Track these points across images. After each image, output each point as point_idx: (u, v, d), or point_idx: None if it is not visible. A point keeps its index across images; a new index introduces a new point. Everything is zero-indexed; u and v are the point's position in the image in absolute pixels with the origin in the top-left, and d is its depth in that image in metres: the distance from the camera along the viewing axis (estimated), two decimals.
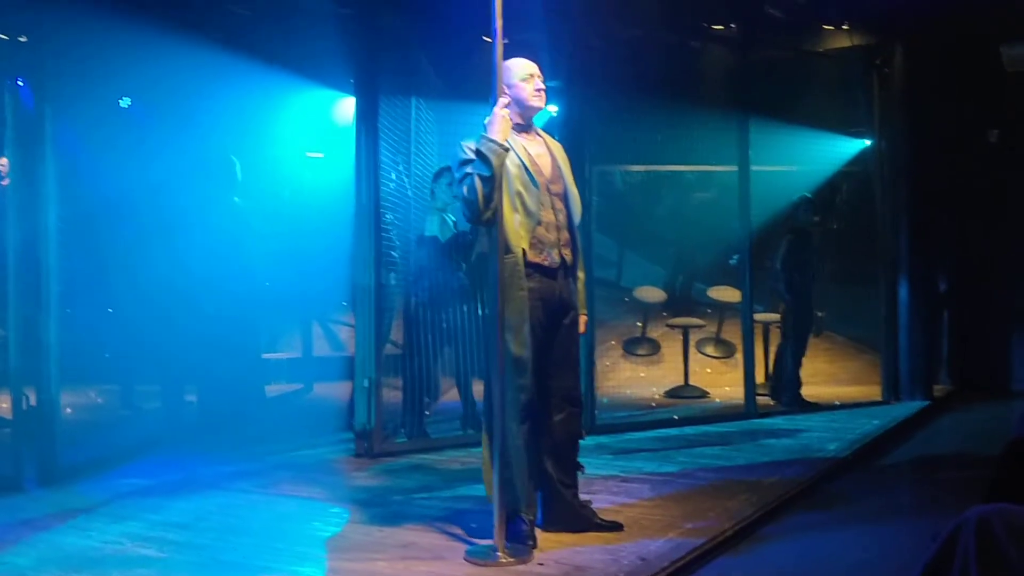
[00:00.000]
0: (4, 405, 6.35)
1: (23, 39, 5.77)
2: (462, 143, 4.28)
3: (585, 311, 4.61)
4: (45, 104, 5.62)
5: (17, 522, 4.71)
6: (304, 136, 9.68)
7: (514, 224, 4.22)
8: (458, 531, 4.51)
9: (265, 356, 8.75)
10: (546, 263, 4.33)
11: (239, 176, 7.45)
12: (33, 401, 5.62)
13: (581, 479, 4.59)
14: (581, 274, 4.53)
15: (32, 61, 5.70)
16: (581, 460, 4.56)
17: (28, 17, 5.68)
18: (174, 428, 7.02)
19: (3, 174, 6.20)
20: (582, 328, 4.56)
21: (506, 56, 4.26)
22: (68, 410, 6.70)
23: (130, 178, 7.40)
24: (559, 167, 4.47)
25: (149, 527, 4.65)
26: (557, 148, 4.54)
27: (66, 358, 5.74)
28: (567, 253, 4.41)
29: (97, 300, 7.35)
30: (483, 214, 4.16)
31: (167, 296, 6.94)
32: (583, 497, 4.60)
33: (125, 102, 8.09)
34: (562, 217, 4.41)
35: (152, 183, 7.24)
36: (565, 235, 4.41)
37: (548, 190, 4.38)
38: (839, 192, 10.95)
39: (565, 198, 4.43)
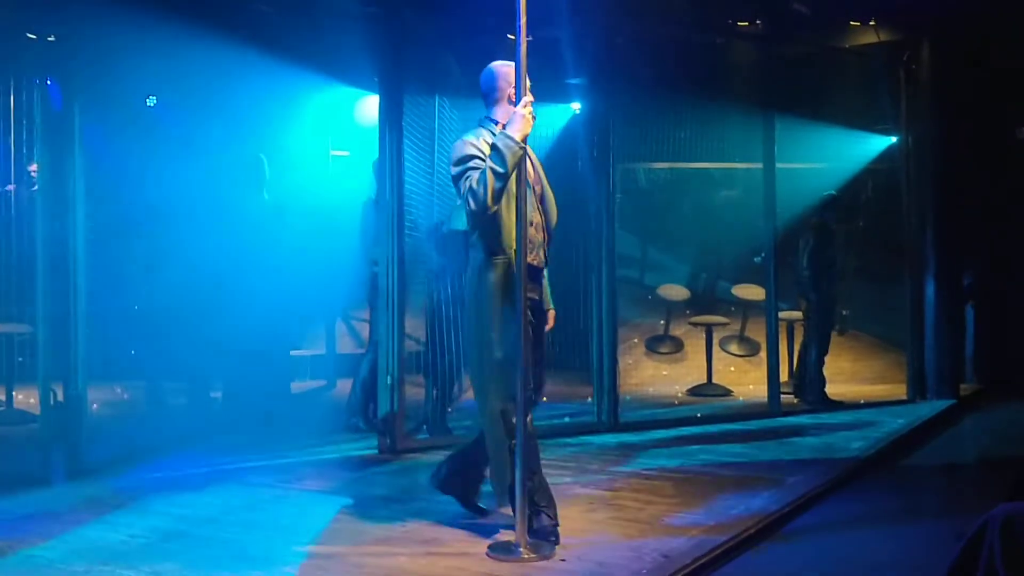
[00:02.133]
0: (32, 401, 6.44)
1: (52, 39, 5.83)
2: (465, 139, 4.32)
3: (552, 307, 4.66)
4: (73, 103, 5.68)
5: (45, 515, 4.76)
6: (329, 134, 9.71)
7: (509, 225, 4.26)
8: (480, 527, 4.52)
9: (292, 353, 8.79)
10: (535, 263, 4.39)
11: (267, 173, 7.51)
12: (61, 397, 5.69)
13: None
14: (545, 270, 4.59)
15: (60, 60, 5.76)
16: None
17: (57, 17, 5.73)
18: (200, 424, 7.07)
19: (33, 179, 6.26)
20: (550, 323, 4.63)
21: (530, 54, 4.26)
22: (95, 406, 6.78)
23: (158, 176, 7.46)
24: (538, 171, 4.53)
25: (175, 521, 4.70)
26: (532, 152, 4.58)
27: (93, 355, 5.81)
28: (545, 253, 4.47)
29: (124, 297, 7.41)
30: (491, 208, 4.20)
31: (194, 293, 7.00)
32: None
33: (151, 101, 8.15)
34: (543, 219, 4.47)
35: (179, 180, 7.29)
36: (546, 236, 4.47)
37: (533, 192, 4.42)
38: (865, 190, 10.88)
39: (543, 201, 4.49)
